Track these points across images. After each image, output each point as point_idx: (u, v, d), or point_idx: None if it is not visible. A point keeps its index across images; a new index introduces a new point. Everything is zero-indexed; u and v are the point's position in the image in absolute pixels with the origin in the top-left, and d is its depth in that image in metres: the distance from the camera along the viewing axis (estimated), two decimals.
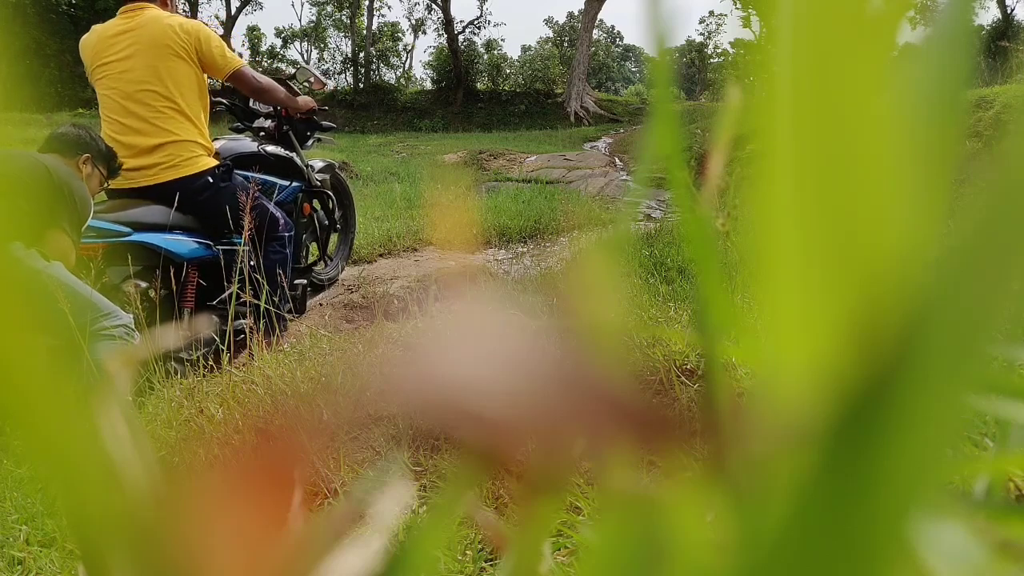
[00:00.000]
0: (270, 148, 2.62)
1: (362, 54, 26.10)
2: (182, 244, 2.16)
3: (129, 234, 2.02)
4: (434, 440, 1.46)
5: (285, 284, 2.37)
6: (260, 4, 29.33)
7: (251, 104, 2.77)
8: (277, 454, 0.11)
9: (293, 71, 2.81)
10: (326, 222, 3.10)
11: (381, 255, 4.03)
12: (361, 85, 23.46)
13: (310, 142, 2.94)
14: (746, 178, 0.10)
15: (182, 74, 2.14)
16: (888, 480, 0.08)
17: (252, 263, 2.25)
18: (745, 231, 0.11)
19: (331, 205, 3.07)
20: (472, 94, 22.79)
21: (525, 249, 4.30)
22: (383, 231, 4.32)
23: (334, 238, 3.28)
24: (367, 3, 27.25)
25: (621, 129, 15.39)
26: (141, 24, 2.10)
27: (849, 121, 0.10)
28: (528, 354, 0.11)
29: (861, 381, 0.09)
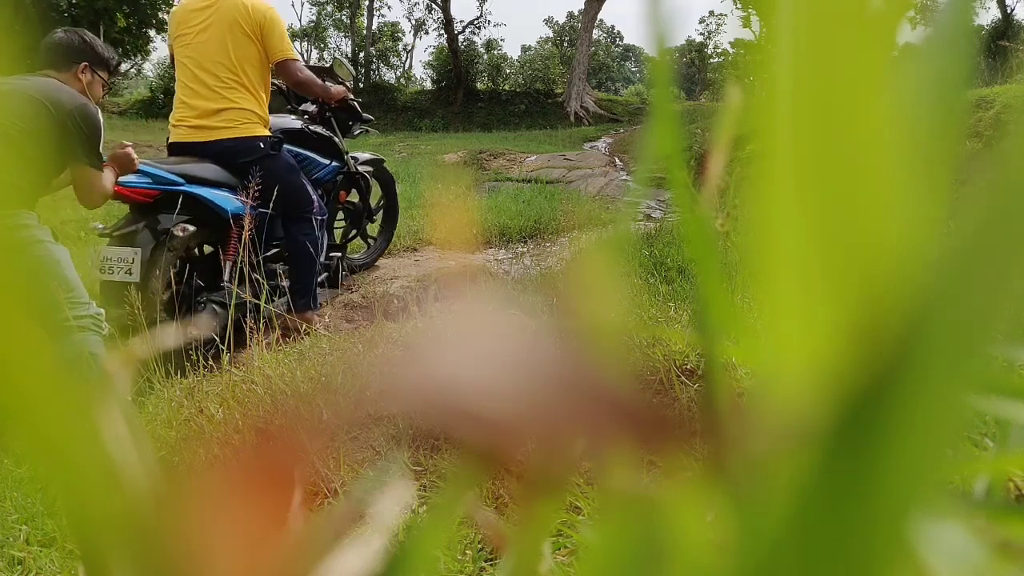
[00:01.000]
0: (312, 127, 2.81)
1: (362, 54, 26.09)
2: (228, 201, 2.31)
3: (182, 184, 2.18)
4: (434, 440, 1.46)
5: (316, 266, 2.56)
6: None
7: None
8: (277, 454, 0.11)
9: (330, 63, 2.97)
10: (361, 208, 3.37)
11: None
12: (361, 85, 23.46)
13: (357, 131, 3.11)
14: (746, 178, 0.10)
15: (247, 51, 2.35)
16: (888, 480, 0.08)
17: (282, 236, 2.56)
18: (745, 231, 0.11)
19: (367, 194, 3.33)
20: (472, 94, 22.79)
21: (525, 249, 4.29)
22: None
23: (371, 228, 3.58)
24: (367, 3, 27.25)
25: (621, 129, 15.38)
26: (219, 1, 2.32)
27: (849, 121, 0.10)
28: (528, 354, 0.11)
29: (861, 381, 0.09)
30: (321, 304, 2.72)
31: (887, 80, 0.10)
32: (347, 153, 3.05)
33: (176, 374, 1.84)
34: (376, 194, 3.53)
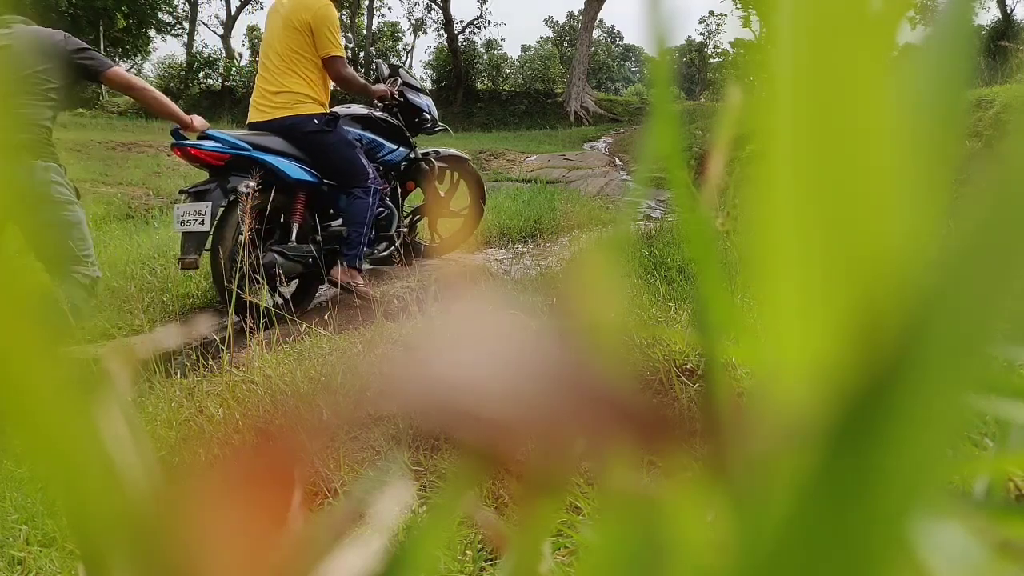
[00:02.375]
0: (378, 113, 3.15)
1: (362, 54, 26.08)
2: (291, 168, 2.68)
3: (249, 150, 2.58)
4: (434, 440, 1.46)
5: (365, 228, 2.85)
6: (260, 4, 29.33)
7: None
8: (277, 454, 0.11)
9: (388, 70, 3.37)
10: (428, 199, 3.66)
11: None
12: None
13: (437, 128, 3.47)
14: (746, 178, 0.10)
15: (298, 43, 2.73)
16: (888, 480, 0.08)
17: (341, 208, 2.94)
18: (745, 231, 0.11)
19: (432, 183, 3.66)
20: (472, 94, 22.78)
21: (525, 249, 4.29)
22: None
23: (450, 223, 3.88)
24: (367, 3, 27.24)
25: (621, 129, 15.37)
26: (289, 1, 2.74)
27: (849, 121, 0.10)
28: (528, 354, 0.11)
29: (861, 381, 0.09)
30: (390, 258, 3.24)
31: (887, 80, 0.10)
32: (415, 144, 3.40)
33: (176, 374, 1.84)
34: (462, 191, 3.79)
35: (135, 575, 0.11)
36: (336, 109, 2.99)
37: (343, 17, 29.23)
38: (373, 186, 2.88)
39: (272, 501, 0.11)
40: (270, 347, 1.93)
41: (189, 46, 23.94)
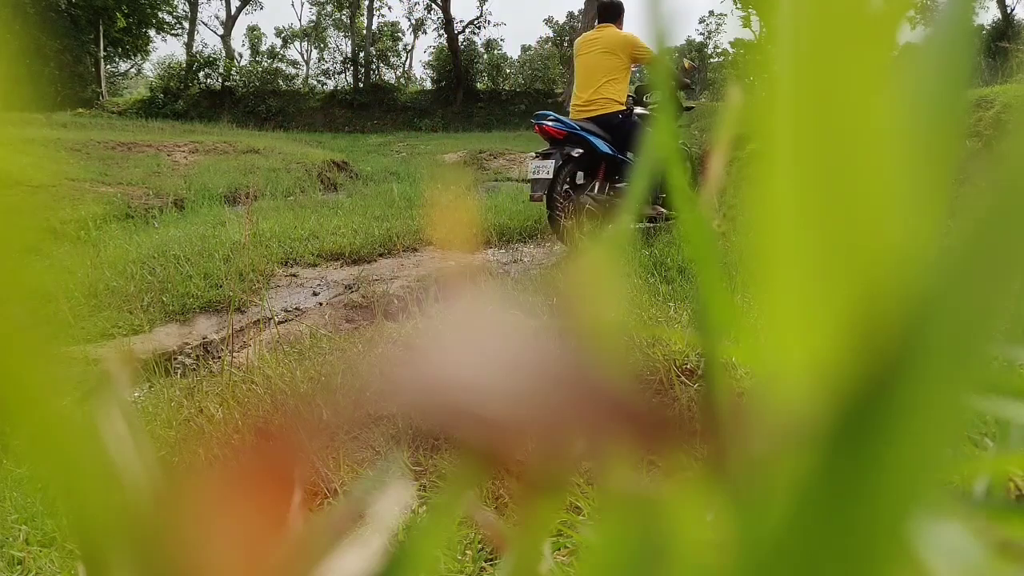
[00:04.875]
0: (649, 112, 4.44)
1: (362, 54, 26.08)
2: (602, 144, 4.02)
3: (579, 131, 3.95)
4: (434, 440, 1.46)
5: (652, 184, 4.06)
6: (260, 4, 29.31)
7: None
8: (277, 454, 0.11)
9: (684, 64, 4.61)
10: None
11: (381, 255, 4.03)
12: (361, 85, 23.45)
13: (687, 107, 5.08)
14: (746, 178, 0.10)
15: (611, 64, 4.08)
16: (888, 480, 0.08)
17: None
18: (745, 231, 0.11)
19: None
20: (472, 94, 22.77)
21: (525, 249, 4.30)
22: (383, 231, 4.32)
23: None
24: (367, 3, 27.24)
25: None
26: (603, 35, 4.11)
27: (849, 121, 0.10)
28: (528, 354, 0.11)
29: (861, 381, 0.09)
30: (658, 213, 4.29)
31: (887, 80, 0.10)
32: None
33: (176, 374, 1.84)
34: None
35: (135, 575, 0.11)
36: (632, 108, 4.37)
37: (343, 17, 29.23)
38: None
39: (272, 501, 0.11)
40: (270, 347, 1.93)
41: (189, 46, 23.92)
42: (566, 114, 4.15)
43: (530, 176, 4.01)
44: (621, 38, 4.18)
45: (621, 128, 4.25)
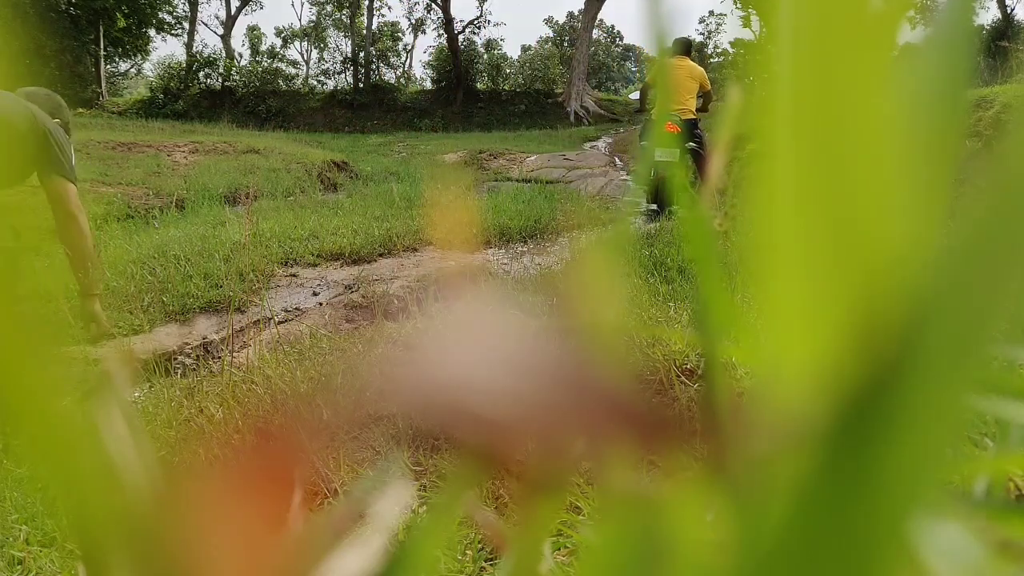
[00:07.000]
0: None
1: (362, 54, 26.08)
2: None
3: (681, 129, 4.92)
4: (434, 440, 1.46)
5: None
6: (260, 4, 29.31)
7: None
8: (277, 454, 0.11)
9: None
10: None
11: (381, 255, 4.03)
12: (361, 85, 23.44)
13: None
14: (746, 178, 0.10)
15: (687, 87, 5.44)
16: (888, 480, 0.08)
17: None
18: (745, 231, 0.11)
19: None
20: (472, 94, 22.78)
21: (525, 249, 4.30)
22: (383, 231, 4.32)
23: None
24: (367, 3, 27.24)
25: (621, 129, 15.37)
26: (685, 64, 5.52)
27: (849, 121, 0.10)
28: (528, 354, 0.11)
29: (861, 381, 0.09)
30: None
31: (887, 80, 0.10)
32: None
33: (176, 374, 1.84)
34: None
35: (135, 575, 0.11)
36: (698, 117, 5.70)
37: (343, 17, 29.23)
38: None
39: (272, 501, 0.11)
40: (270, 347, 1.93)
41: (189, 46, 23.91)
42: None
43: (658, 158, 5.56)
44: (698, 71, 5.83)
45: (691, 131, 5.82)
